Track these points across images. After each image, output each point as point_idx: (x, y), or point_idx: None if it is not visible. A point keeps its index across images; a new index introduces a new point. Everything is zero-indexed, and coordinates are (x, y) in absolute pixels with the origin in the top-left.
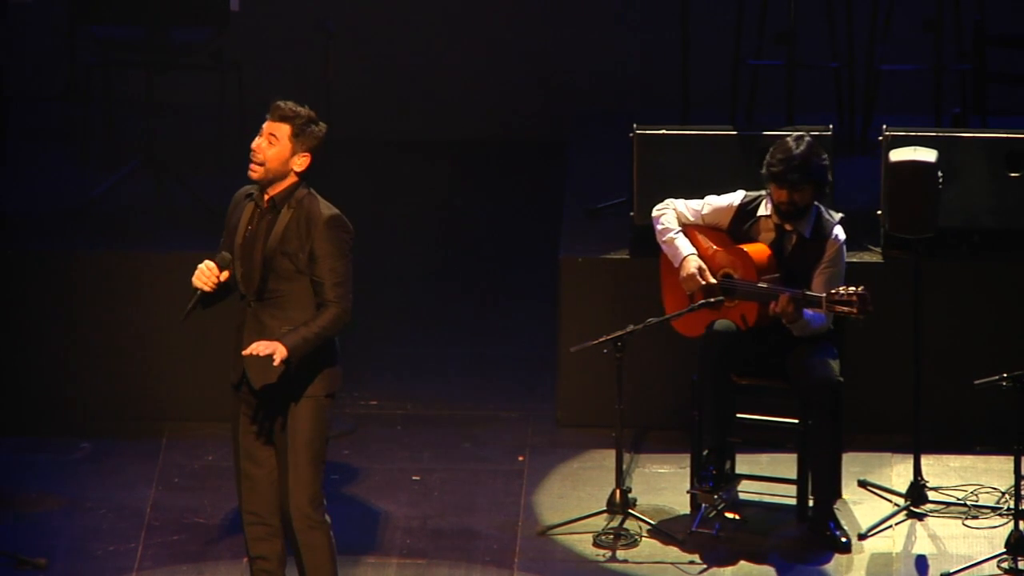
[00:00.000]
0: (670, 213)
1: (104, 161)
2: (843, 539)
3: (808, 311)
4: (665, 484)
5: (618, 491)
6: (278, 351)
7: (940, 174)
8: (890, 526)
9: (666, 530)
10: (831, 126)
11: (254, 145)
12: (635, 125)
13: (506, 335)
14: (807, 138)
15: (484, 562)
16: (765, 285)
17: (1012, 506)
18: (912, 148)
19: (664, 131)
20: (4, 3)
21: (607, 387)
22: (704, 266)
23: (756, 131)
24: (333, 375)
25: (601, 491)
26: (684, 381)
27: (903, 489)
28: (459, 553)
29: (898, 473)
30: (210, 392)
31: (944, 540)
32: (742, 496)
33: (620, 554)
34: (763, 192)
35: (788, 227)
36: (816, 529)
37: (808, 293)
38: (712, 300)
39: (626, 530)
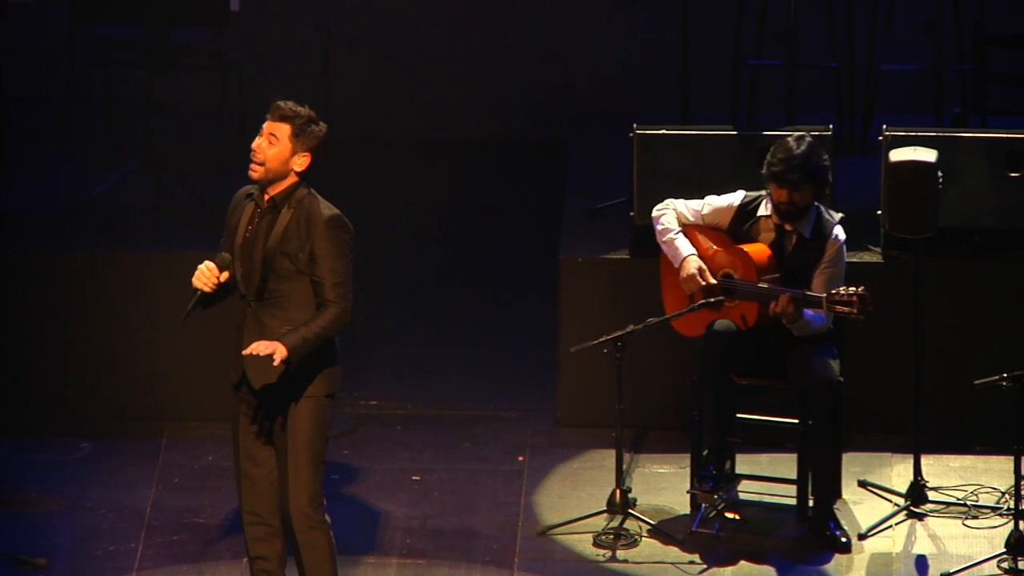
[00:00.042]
0: (670, 213)
1: (104, 161)
2: (843, 539)
3: (808, 311)
4: (665, 484)
5: (618, 491)
6: (278, 351)
7: (940, 174)
8: (890, 526)
9: (666, 530)
10: (831, 126)
11: (254, 145)
12: (635, 125)
13: (506, 335)
14: (808, 138)
15: (484, 562)
16: (765, 285)
17: (1012, 506)
18: (912, 148)
19: (664, 131)
20: (4, 3)
21: (607, 387)
22: (704, 267)
23: (756, 131)
24: (333, 375)
25: (601, 491)
26: (684, 381)
27: (903, 489)
28: (459, 553)
29: (898, 473)
30: (210, 392)
31: (944, 540)
32: (742, 496)
33: (620, 554)
34: (763, 192)
35: (788, 227)
36: (816, 529)
37: (808, 293)
38: (712, 300)
39: (626, 530)
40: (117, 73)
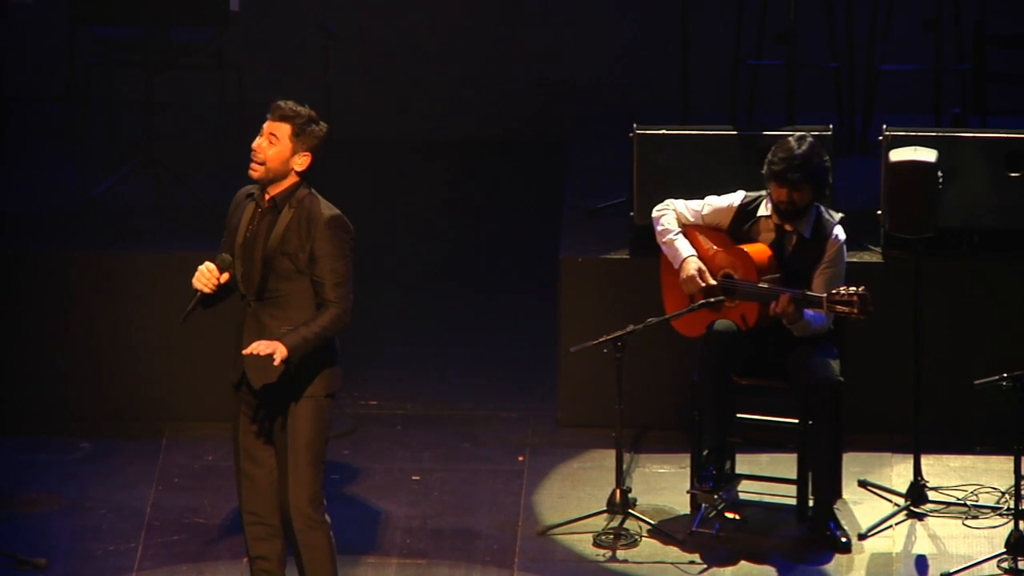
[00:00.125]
0: (670, 214)
1: (104, 161)
2: (843, 539)
3: (808, 311)
4: (665, 484)
5: (618, 491)
6: (278, 351)
7: (940, 174)
8: (890, 526)
9: (666, 530)
10: (831, 126)
11: (255, 145)
12: (635, 125)
13: (506, 335)
14: (809, 138)
15: (484, 562)
16: (765, 285)
17: (1012, 506)
18: (912, 148)
19: (664, 131)
20: (4, 3)
21: (607, 387)
22: (704, 267)
23: (756, 131)
24: (333, 375)
25: (601, 491)
26: (684, 381)
27: (903, 489)
28: (459, 553)
29: (898, 473)
30: (210, 392)
31: (944, 540)
32: (742, 496)
33: (620, 554)
34: (763, 192)
35: (788, 227)
36: (816, 529)
37: (808, 293)
38: (712, 300)
39: (626, 530)
40: (117, 73)
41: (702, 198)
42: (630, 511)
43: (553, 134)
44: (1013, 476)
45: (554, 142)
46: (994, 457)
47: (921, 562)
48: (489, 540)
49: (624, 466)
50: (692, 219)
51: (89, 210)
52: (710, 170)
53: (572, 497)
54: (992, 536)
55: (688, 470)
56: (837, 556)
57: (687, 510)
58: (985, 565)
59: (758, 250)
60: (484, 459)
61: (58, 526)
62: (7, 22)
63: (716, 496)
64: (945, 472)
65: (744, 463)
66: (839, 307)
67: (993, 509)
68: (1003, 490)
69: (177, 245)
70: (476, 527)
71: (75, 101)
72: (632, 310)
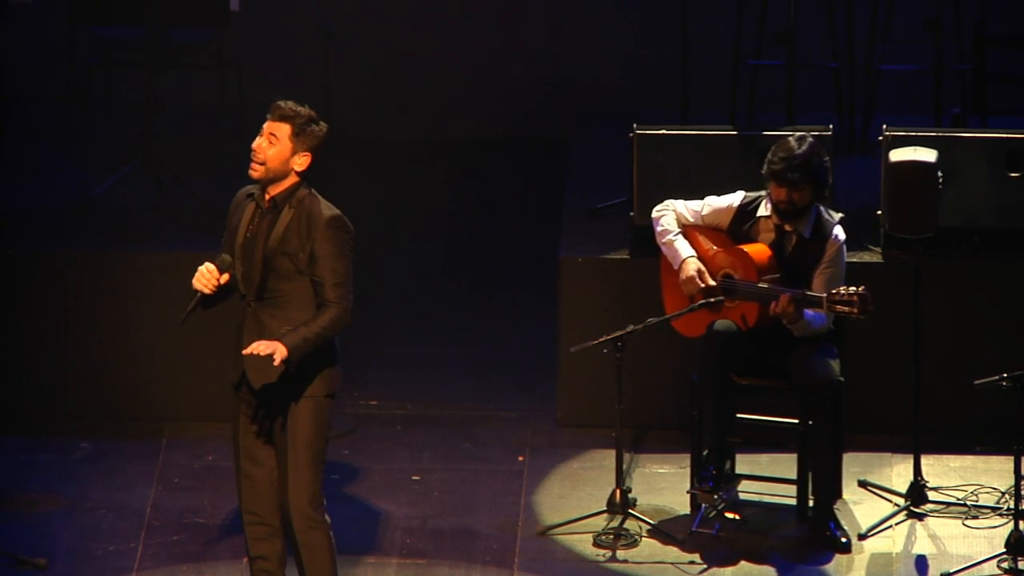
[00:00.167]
0: (670, 214)
1: (104, 161)
2: (843, 539)
3: (809, 311)
4: (665, 484)
5: (618, 491)
6: (278, 351)
7: (940, 174)
8: (890, 526)
9: (666, 530)
10: (831, 126)
11: (254, 145)
12: (635, 125)
13: (506, 335)
14: (809, 138)
15: (484, 562)
16: (765, 285)
17: (1012, 506)
18: (912, 148)
19: (664, 131)
20: (4, 3)
21: (607, 387)
22: (703, 268)
23: (756, 131)
24: (333, 375)
25: (601, 491)
26: (684, 381)
27: (903, 489)
28: (459, 553)
29: (898, 473)
30: (210, 392)
31: (944, 540)
32: (742, 496)
33: (620, 554)
34: (763, 193)
35: (788, 228)
36: (816, 529)
37: (809, 293)
38: (712, 300)
39: (626, 530)
40: (117, 73)
41: (702, 198)
42: (630, 511)
43: (553, 134)
44: (1013, 476)
45: (554, 142)
46: (994, 457)
47: (921, 562)
48: (489, 540)
49: (624, 466)
50: (692, 219)
51: (89, 210)
52: (710, 170)
53: (572, 497)
54: (992, 536)
55: (688, 470)
56: (837, 556)
57: (687, 510)
58: (985, 565)
59: (758, 250)
60: (484, 459)
61: (58, 526)
62: (7, 22)
63: (716, 496)
64: (945, 472)
65: (744, 463)
66: (839, 307)
67: (993, 509)
68: (1003, 490)
69: (177, 245)
70: (476, 527)
71: (75, 101)
72: (632, 310)
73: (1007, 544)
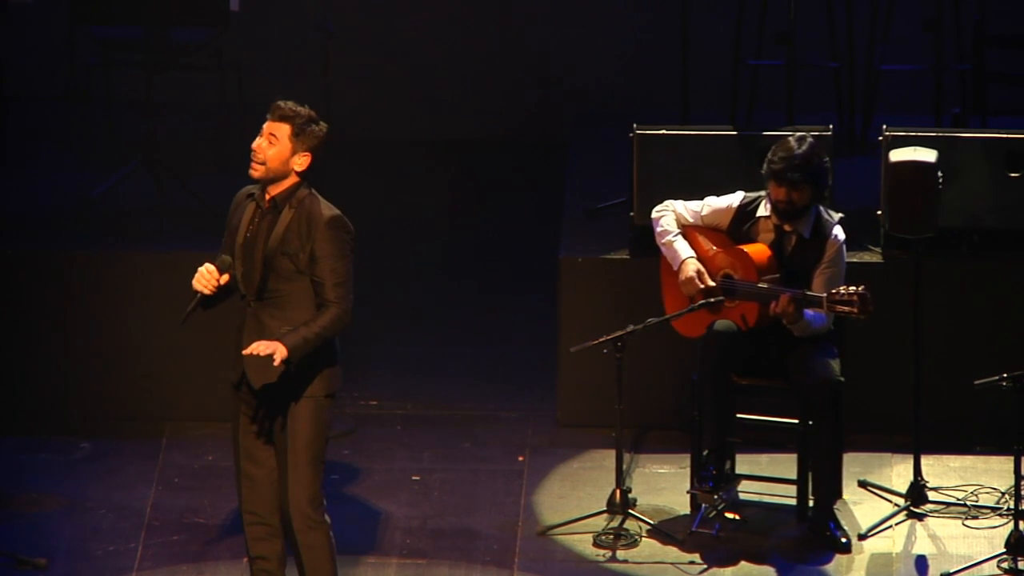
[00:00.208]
0: (669, 215)
1: (104, 161)
2: (843, 539)
3: (809, 311)
4: (665, 484)
5: (618, 491)
6: (278, 351)
7: (940, 174)
8: (890, 526)
9: (666, 530)
10: (831, 126)
11: (254, 145)
12: (635, 125)
13: (506, 335)
14: (809, 139)
15: (484, 562)
16: (765, 285)
17: (1012, 506)
18: (912, 148)
19: (664, 131)
20: (4, 3)
21: (607, 387)
22: (703, 269)
23: (756, 131)
24: (333, 375)
25: (601, 491)
26: (684, 381)
27: (903, 489)
28: (459, 553)
29: (898, 473)
30: (210, 392)
31: (944, 540)
32: (742, 496)
33: (620, 554)
34: (762, 193)
35: (787, 228)
36: (816, 529)
37: (809, 293)
38: (712, 300)
39: (626, 530)
40: (117, 73)
41: (702, 198)
42: (630, 511)
43: (553, 134)
44: (1013, 476)
45: (554, 142)
46: (994, 457)
47: (921, 562)
48: (489, 540)
49: (624, 466)
50: (691, 220)
51: (89, 210)
52: (710, 170)
53: (572, 497)
54: (992, 536)
55: (688, 470)
56: (837, 556)
57: (687, 510)
58: (985, 565)
59: (758, 250)
60: (484, 459)
61: (58, 526)
62: (7, 22)
63: (716, 496)
64: (945, 472)
65: (744, 463)
66: (839, 307)
67: (993, 509)
68: (1003, 490)
69: (177, 245)
70: (476, 527)
71: (75, 101)
72: (632, 310)
73: (1007, 544)
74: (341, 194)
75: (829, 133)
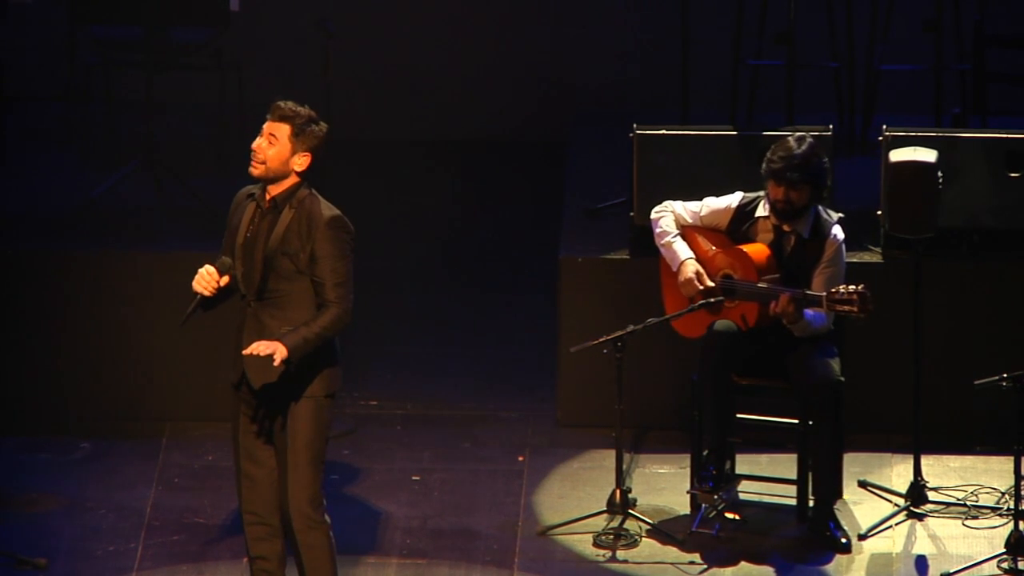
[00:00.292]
0: (668, 216)
1: (104, 161)
2: (843, 539)
3: (809, 311)
4: (665, 484)
5: (618, 491)
6: (278, 351)
7: (940, 174)
8: (890, 526)
9: (666, 530)
10: (831, 126)
11: (254, 145)
12: (635, 125)
13: (506, 335)
14: (808, 139)
15: (484, 562)
16: (765, 285)
17: (1012, 506)
18: (912, 148)
19: (664, 131)
20: (4, 3)
21: (607, 387)
22: (702, 270)
23: (756, 131)
24: (333, 375)
25: (601, 491)
26: (684, 381)
27: (903, 489)
28: (459, 553)
29: (898, 473)
30: (210, 392)
31: (944, 540)
32: (742, 496)
33: (620, 554)
34: (761, 193)
35: (787, 228)
36: (816, 529)
37: (808, 293)
38: (712, 300)
39: (626, 530)
40: (117, 73)
41: (701, 199)
42: (630, 511)
43: (553, 134)
44: (1013, 476)
45: (554, 142)
46: (994, 457)
47: (921, 562)
48: (489, 540)
49: (624, 466)
50: (690, 220)
51: (89, 210)
52: (710, 170)
53: (572, 497)
54: (992, 536)
55: (688, 470)
56: (837, 556)
57: (687, 510)
58: (985, 565)
59: (757, 250)
60: (484, 459)
61: (58, 526)
62: (7, 22)
63: (716, 496)
64: (945, 472)
65: (744, 463)
66: (839, 306)
67: (993, 509)
68: (1003, 490)
69: (177, 245)
70: (476, 527)
71: (75, 101)
72: (632, 310)
73: (1007, 544)
74: (341, 194)
75: (829, 133)
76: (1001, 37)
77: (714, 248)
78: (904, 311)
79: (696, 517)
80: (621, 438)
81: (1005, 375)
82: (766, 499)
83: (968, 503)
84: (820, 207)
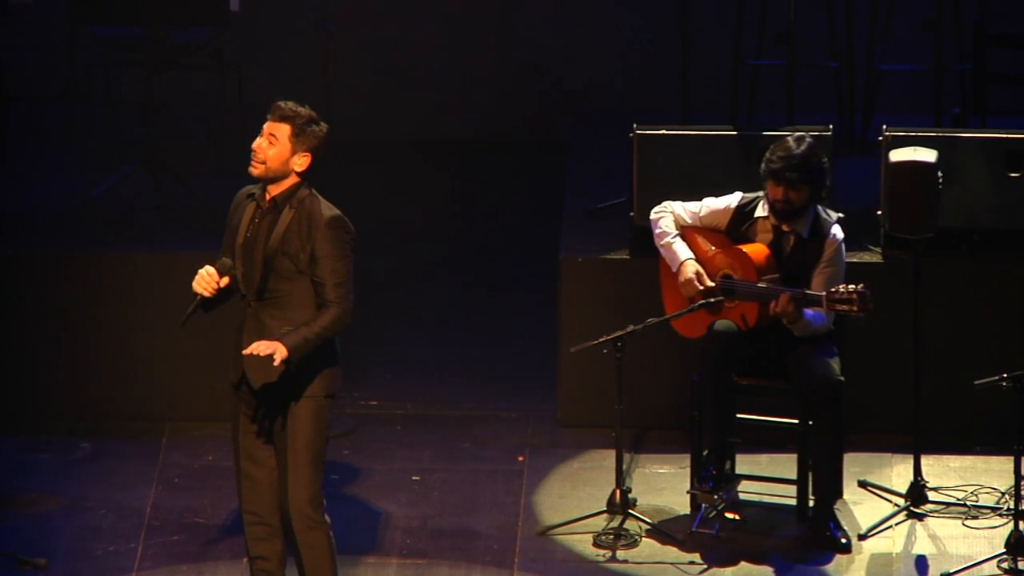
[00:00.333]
0: (668, 217)
1: (104, 161)
2: (843, 539)
3: (809, 311)
4: (665, 484)
5: (618, 491)
6: (278, 351)
7: (940, 174)
8: (890, 526)
9: (666, 530)
10: (831, 126)
11: (255, 145)
12: (635, 125)
13: (506, 335)
14: (808, 139)
15: (484, 562)
16: (765, 285)
17: (1012, 506)
18: (912, 148)
19: (664, 131)
20: (4, 3)
21: (607, 387)
22: (701, 271)
23: (756, 131)
24: (333, 375)
25: (601, 491)
26: (684, 381)
27: (903, 489)
28: (459, 553)
29: (898, 473)
30: (210, 392)
31: (944, 540)
32: (742, 496)
33: (620, 554)
34: (760, 193)
35: (786, 228)
36: (816, 529)
37: (808, 292)
38: (712, 300)
39: (626, 530)
40: (117, 73)
41: (701, 199)
42: (630, 511)
43: (553, 134)
44: (1013, 476)
45: (554, 142)
46: (994, 457)
47: (921, 562)
48: (489, 540)
49: (624, 466)
50: (690, 221)
51: (89, 210)
52: (710, 170)
53: (572, 497)
54: (992, 536)
55: (688, 470)
56: (837, 556)
57: (687, 510)
58: (985, 565)
59: (756, 250)
60: (484, 459)
61: (58, 526)
62: (7, 22)
63: (716, 496)
64: (945, 472)
65: (744, 463)
66: (839, 305)
67: (993, 509)
68: (1003, 490)
69: (177, 245)
70: (476, 527)
71: (75, 101)
72: (632, 310)
73: (1007, 544)
74: (341, 194)
75: (829, 133)
76: (1001, 37)
77: (713, 248)
78: (904, 311)
79: (696, 517)
80: (621, 438)
81: (1005, 375)
82: (766, 499)
83: (968, 503)
84: (819, 207)
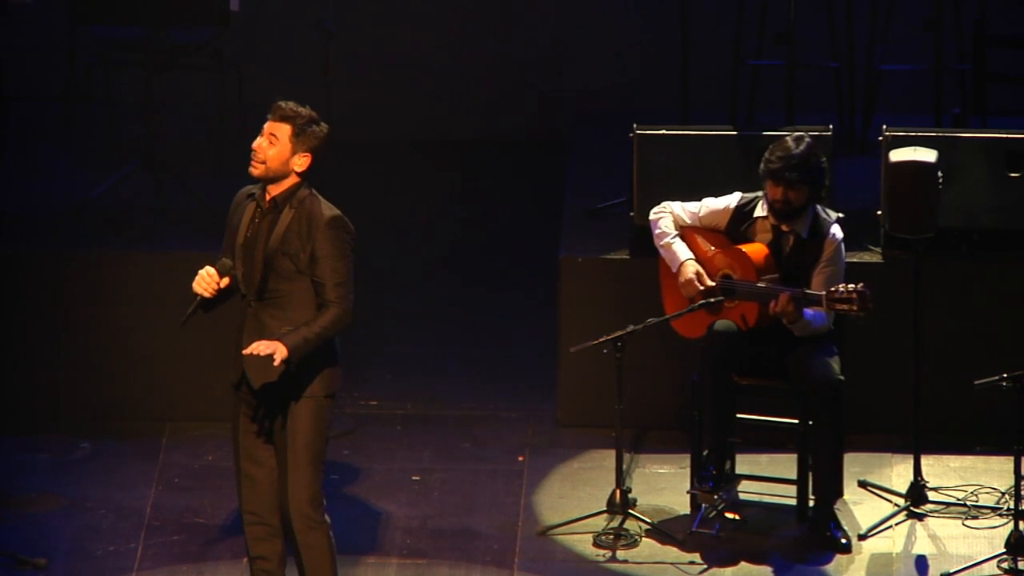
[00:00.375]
0: (667, 217)
1: (104, 161)
2: (843, 539)
3: (808, 311)
4: (665, 484)
5: (618, 491)
6: (278, 351)
7: (940, 174)
8: (890, 526)
9: (666, 530)
10: (831, 126)
11: (255, 145)
12: (635, 125)
13: (506, 335)
14: (807, 139)
15: (484, 562)
16: (764, 285)
17: (1012, 506)
18: (912, 148)
19: (664, 131)
20: (4, 3)
21: (607, 387)
22: (701, 270)
23: (756, 131)
24: (333, 375)
25: (601, 491)
26: (684, 381)
27: (903, 489)
28: (459, 553)
29: (898, 473)
30: (210, 392)
31: (944, 540)
32: (742, 496)
33: (620, 554)
34: (759, 193)
35: (785, 228)
36: (816, 529)
37: (808, 292)
38: (712, 300)
39: (626, 530)
40: (117, 73)
41: (701, 199)
42: (630, 511)
43: (553, 134)
44: (1013, 476)
45: (554, 142)
46: (994, 457)
47: (921, 562)
48: (489, 540)
49: (624, 466)
50: (689, 221)
51: (89, 210)
52: (710, 170)
53: (572, 497)
54: (992, 536)
55: (688, 470)
56: (837, 556)
57: (687, 510)
58: (985, 565)
59: (756, 250)
60: (484, 459)
61: (58, 526)
62: (7, 22)
63: (716, 496)
64: (945, 472)
65: (744, 463)
66: (838, 304)
67: (993, 509)
68: (1003, 490)
69: (177, 245)
70: (476, 527)
71: (75, 101)
72: (632, 310)
73: (1007, 544)
74: (341, 194)
75: (829, 133)
76: (1001, 37)
77: (713, 248)
78: (904, 311)
79: (696, 517)
80: (621, 438)
81: (1005, 375)
82: (766, 499)
83: (968, 503)
84: (819, 207)
